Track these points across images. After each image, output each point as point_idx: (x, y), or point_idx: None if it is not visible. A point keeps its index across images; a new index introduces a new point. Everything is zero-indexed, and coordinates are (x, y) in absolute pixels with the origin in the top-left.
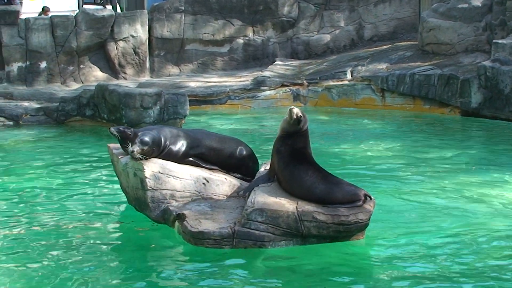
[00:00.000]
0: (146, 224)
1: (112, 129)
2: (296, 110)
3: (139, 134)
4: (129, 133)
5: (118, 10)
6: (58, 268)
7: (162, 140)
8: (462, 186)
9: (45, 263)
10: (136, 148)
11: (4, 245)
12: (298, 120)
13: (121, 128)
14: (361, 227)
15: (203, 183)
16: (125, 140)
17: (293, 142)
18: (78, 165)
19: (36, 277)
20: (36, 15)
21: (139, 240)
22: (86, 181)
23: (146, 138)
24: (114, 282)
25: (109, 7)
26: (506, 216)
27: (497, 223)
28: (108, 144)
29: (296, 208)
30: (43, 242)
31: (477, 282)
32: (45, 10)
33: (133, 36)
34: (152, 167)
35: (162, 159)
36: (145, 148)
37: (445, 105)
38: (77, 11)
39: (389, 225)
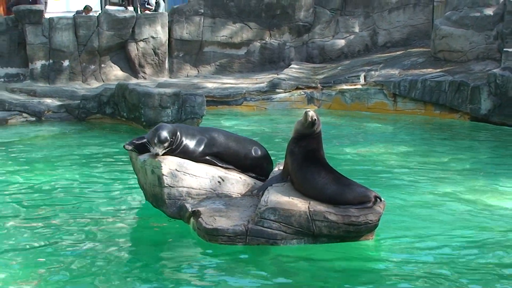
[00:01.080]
0: (162, 220)
1: (127, 147)
2: (311, 113)
3: (151, 131)
4: (142, 142)
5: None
6: (74, 261)
7: (176, 132)
8: (470, 191)
9: (63, 255)
10: (158, 151)
11: (24, 237)
12: (313, 123)
13: (135, 142)
14: (371, 228)
15: (219, 182)
16: (143, 149)
17: (306, 144)
18: (97, 162)
19: (53, 269)
20: (60, 14)
21: (155, 235)
22: (104, 177)
23: (162, 135)
24: (128, 276)
25: (131, 8)
26: (507, 221)
27: (504, 227)
28: (125, 143)
29: (308, 208)
30: (61, 236)
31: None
32: (87, 9)
33: (153, 37)
34: (169, 165)
35: (179, 157)
36: (166, 144)
37: (455, 111)
38: (100, 11)
39: (399, 227)
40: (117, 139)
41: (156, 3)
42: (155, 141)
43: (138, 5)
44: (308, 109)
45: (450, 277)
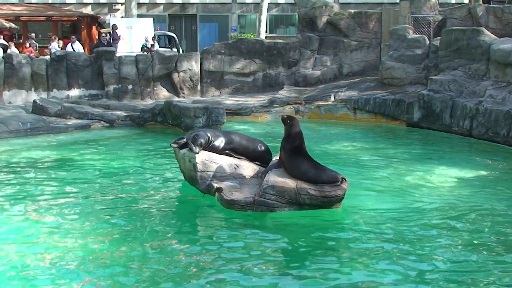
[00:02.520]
0: (197, 194)
1: (172, 145)
2: (282, 115)
3: (191, 136)
4: (183, 141)
5: (181, 51)
6: (126, 227)
7: (207, 136)
8: (408, 172)
9: (121, 223)
10: (197, 150)
11: (95, 208)
12: (283, 119)
13: (177, 141)
14: (339, 199)
15: (235, 168)
16: (183, 146)
17: (292, 141)
18: (151, 154)
19: (111, 234)
20: (126, 53)
21: (191, 205)
22: (156, 165)
23: (199, 140)
24: (170, 231)
25: (175, 49)
26: (431, 194)
27: (427, 198)
28: (171, 141)
29: (296, 185)
30: (122, 206)
31: (419, 243)
32: (143, 49)
33: (189, 69)
34: (201, 156)
35: (208, 151)
36: (201, 146)
37: (396, 119)
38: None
39: (358, 199)
40: (165, 139)
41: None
42: (193, 143)
43: (180, 48)
44: (282, 113)
45: (397, 237)
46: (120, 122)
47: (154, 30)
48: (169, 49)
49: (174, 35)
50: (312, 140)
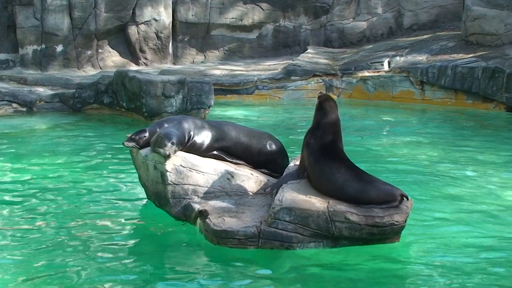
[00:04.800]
0: (166, 220)
1: (127, 144)
2: (320, 92)
3: (159, 129)
4: (145, 136)
5: None
6: (65, 270)
7: (184, 128)
8: (504, 189)
9: (55, 259)
10: (169, 151)
11: (15, 239)
12: (320, 101)
13: (135, 137)
14: (397, 229)
15: (228, 178)
16: (145, 145)
17: (322, 134)
18: (95, 156)
19: (44, 273)
20: None
21: (158, 238)
22: (103, 173)
23: (171, 136)
24: (129, 282)
25: None
26: None
27: None
28: (127, 134)
29: (327, 207)
30: (54, 238)
31: None
32: None
33: (155, 20)
34: (174, 160)
35: (185, 151)
36: (175, 145)
37: (490, 100)
38: None
39: (427, 228)
40: (116, 131)
41: None
42: (165, 142)
43: None
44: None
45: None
46: (44, 105)
47: None
48: None
49: None
50: (351, 133)
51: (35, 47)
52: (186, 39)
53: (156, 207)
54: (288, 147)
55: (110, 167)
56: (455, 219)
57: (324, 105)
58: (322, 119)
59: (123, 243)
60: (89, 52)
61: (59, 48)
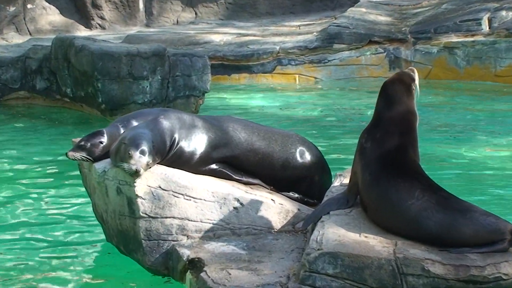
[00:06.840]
0: (136, 275)
1: (71, 155)
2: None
3: (123, 131)
4: (101, 142)
5: None
6: None
7: (167, 132)
8: None
9: None
10: (139, 165)
11: None
12: (393, 78)
13: (83, 143)
14: (506, 286)
15: (235, 208)
16: (103, 156)
17: (385, 136)
18: (24, 173)
19: None
20: None
21: None
22: (37, 200)
23: (145, 145)
24: None
25: None
26: None
27: None
28: (73, 139)
29: (394, 252)
30: None
31: None
32: None
33: None
34: (148, 179)
35: (166, 165)
36: (152, 159)
37: None
38: None
39: None
40: (56, 135)
41: None
42: (130, 151)
43: None
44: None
45: None
46: None
47: None
48: None
49: None
50: (431, 134)
51: None
52: None
53: (120, 254)
54: (330, 156)
55: (47, 190)
56: None
57: (390, 88)
58: (385, 112)
59: None
60: (12, 9)
61: None
